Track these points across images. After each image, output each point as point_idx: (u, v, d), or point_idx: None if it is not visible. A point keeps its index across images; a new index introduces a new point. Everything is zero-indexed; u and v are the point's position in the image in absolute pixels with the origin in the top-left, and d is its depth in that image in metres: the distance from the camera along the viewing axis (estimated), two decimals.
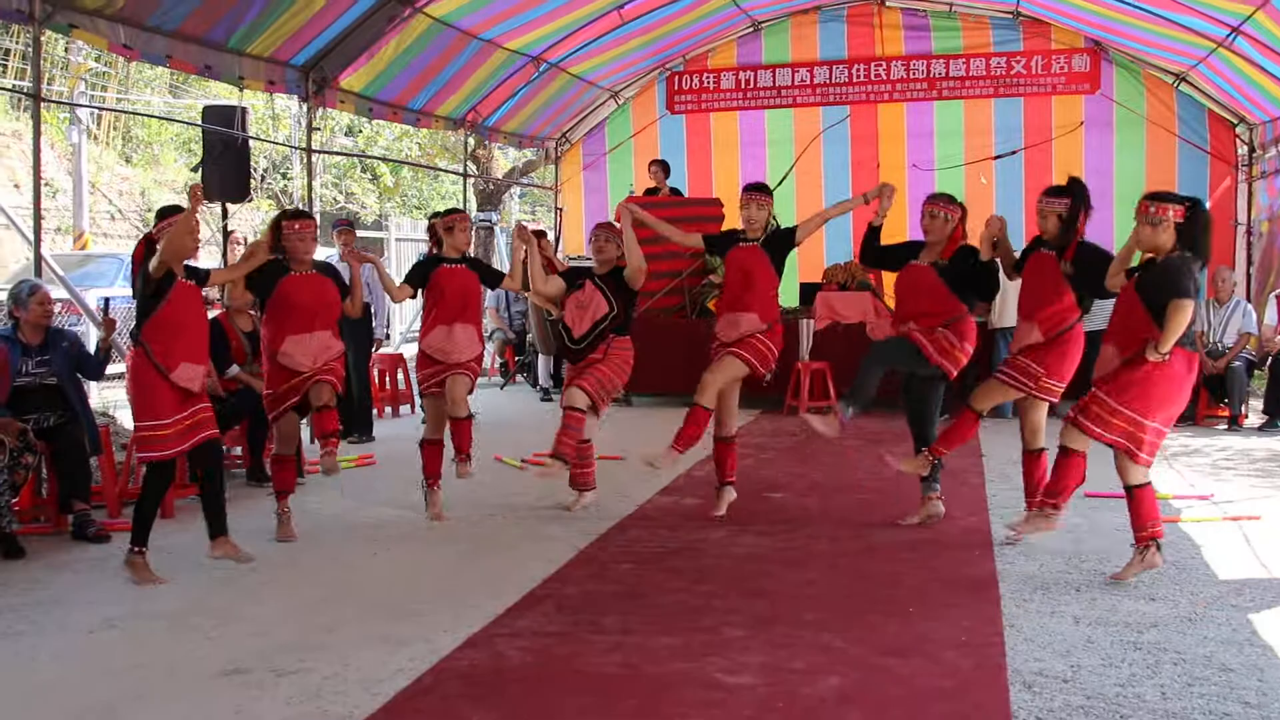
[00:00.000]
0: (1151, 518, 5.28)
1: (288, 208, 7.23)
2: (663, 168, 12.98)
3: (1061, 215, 5.81)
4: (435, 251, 6.93)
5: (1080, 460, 5.36)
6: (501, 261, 18.71)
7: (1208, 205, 12.73)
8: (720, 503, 6.77)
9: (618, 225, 6.83)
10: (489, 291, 11.27)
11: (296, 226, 6.37)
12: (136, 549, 5.55)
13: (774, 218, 6.68)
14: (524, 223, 8.84)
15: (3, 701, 4.08)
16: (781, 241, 6.58)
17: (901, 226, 13.72)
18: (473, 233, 7.13)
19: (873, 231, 6.48)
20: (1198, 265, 5.10)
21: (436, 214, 7.22)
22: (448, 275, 6.77)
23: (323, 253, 8.39)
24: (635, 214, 6.74)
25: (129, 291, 14.32)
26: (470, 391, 6.80)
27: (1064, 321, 5.82)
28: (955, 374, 6.27)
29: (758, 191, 6.65)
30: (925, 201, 6.31)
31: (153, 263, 5.47)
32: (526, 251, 6.89)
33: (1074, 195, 5.81)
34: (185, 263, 5.64)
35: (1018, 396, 6.04)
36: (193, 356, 5.59)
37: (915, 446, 6.46)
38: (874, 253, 6.54)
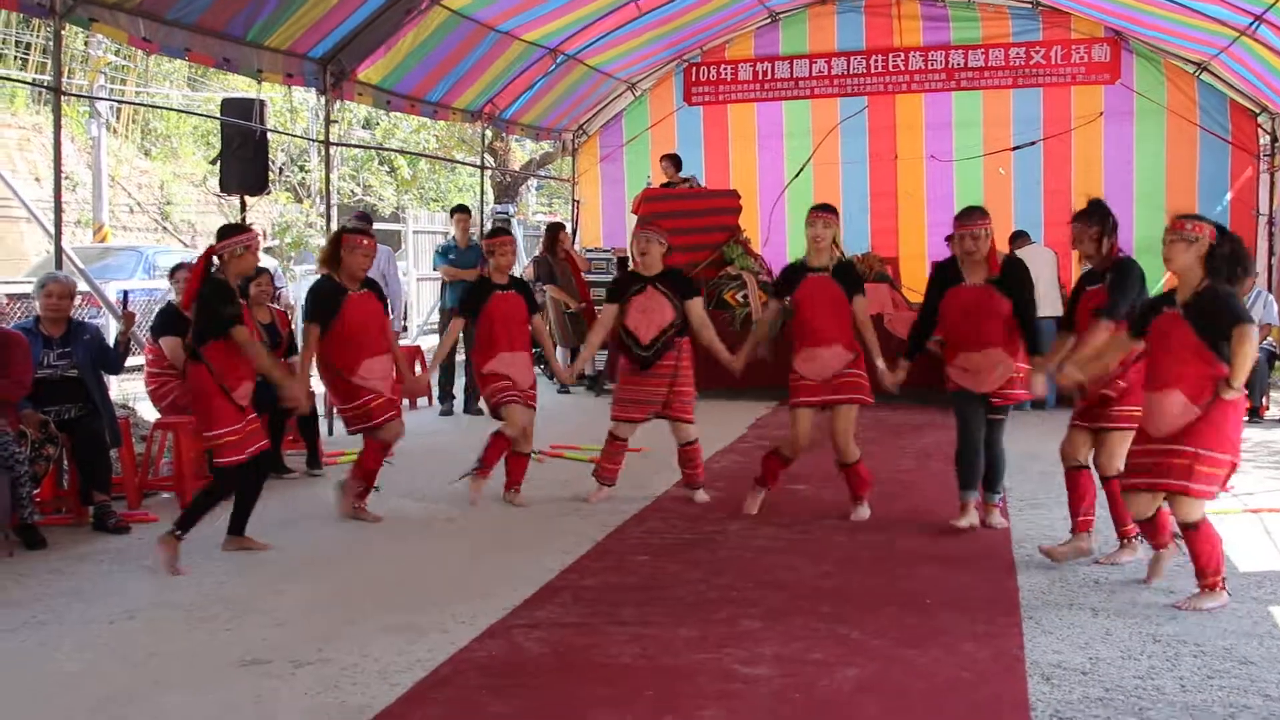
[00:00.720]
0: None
1: (349, 223, 7.33)
2: (674, 161, 12.96)
3: (1093, 237, 5.62)
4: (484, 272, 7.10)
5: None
6: (520, 255, 18.71)
7: (1229, 196, 12.77)
8: (858, 513, 6.60)
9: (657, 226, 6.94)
10: None
11: (364, 242, 6.55)
12: (179, 532, 5.67)
13: (839, 243, 6.63)
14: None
15: (27, 690, 4.12)
16: (849, 274, 6.53)
17: (920, 217, 13.75)
18: (488, 226, 7.23)
19: (914, 342, 6.38)
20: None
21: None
22: (499, 303, 6.92)
23: None
24: (736, 367, 6.76)
25: (148, 284, 14.42)
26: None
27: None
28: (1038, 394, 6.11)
29: (825, 211, 6.53)
30: (959, 225, 6.07)
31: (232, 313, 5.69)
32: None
33: (1102, 215, 5.63)
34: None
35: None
36: (250, 375, 5.84)
37: (989, 482, 6.27)
38: (926, 328, 6.34)
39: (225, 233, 5.88)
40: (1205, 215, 5.05)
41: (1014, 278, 6.06)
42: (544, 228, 13.50)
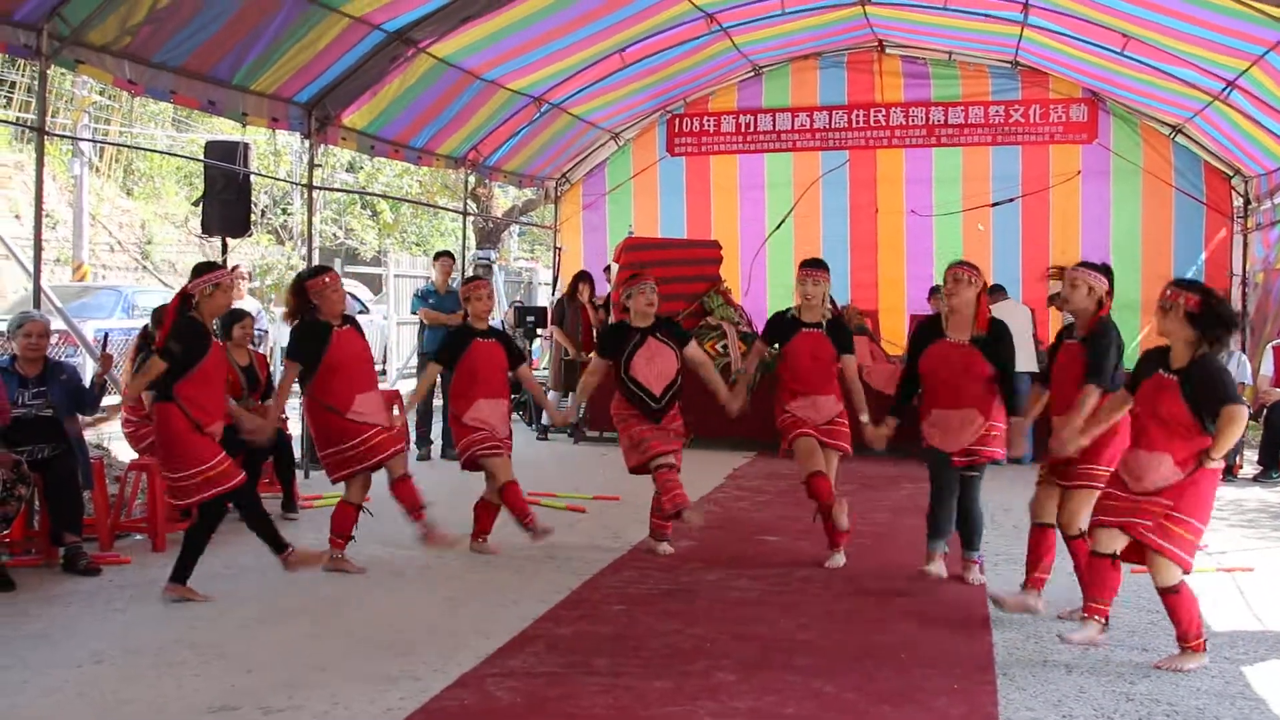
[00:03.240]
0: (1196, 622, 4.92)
1: (304, 269, 7.22)
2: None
3: (1093, 289, 5.60)
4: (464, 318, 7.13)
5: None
6: (499, 300, 18.76)
7: (1203, 257, 12.90)
8: (833, 559, 6.69)
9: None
10: None
11: (328, 280, 6.43)
12: (178, 581, 5.75)
13: (830, 299, 6.73)
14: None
15: None
16: (841, 332, 6.70)
17: (899, 271, 13.85)
18: (469, 271, 7.23)
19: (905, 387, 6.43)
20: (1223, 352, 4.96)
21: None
22: (480, 351, 6.90)
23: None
24: (733, 405, 6.79)
25: (127, 324, 14.36)
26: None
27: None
28: (1004, 453, 6.17)
29: (815, 268, 6.67)
30: (952, 268, 6.17)
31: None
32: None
33: (1110, 277, 5.68)
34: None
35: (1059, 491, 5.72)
36: (222, 412, 5.91)
37: (966, 540, 6.29)
38: (910, 387, 6.40)
39: (198, 271, 5.87)
40: (1192, 280, 5.13)
41: (998, 338, 6.12)
42: (572, 276, 13.25)
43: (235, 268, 10.56)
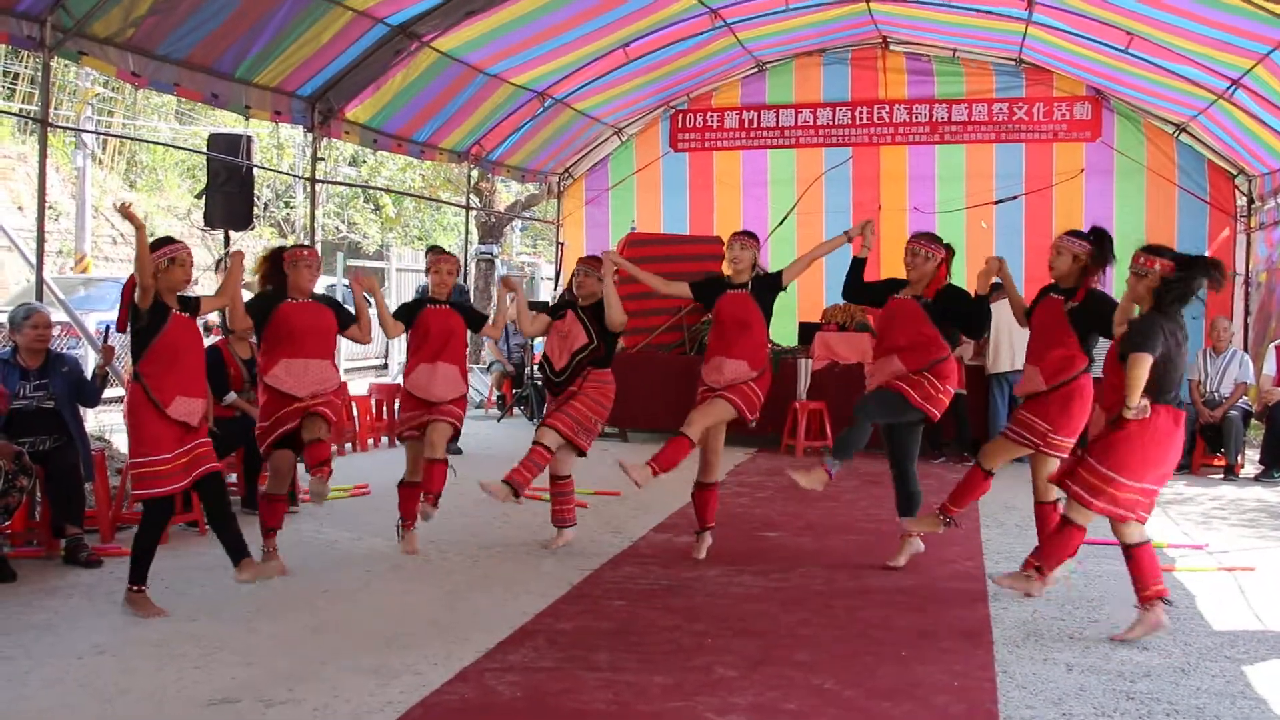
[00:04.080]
0: (1154, 576, 5.15)
1: (288, 243, 7.08)
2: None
3: (1078, 256, 5.77)
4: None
5: (1079, 533, 5.21)
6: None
7: (1207, 256, 12.88)
8: (699, 547, 6.73)
9: (600, 260, 6.77)
10: None
11: (305, 254, 6.30)
12: (135, 587, 5.45)
13: (758, 266, 6.71)
14: (511, 275, 8.71)
15: None
16: (769, 285, 6.61)
17: (902, 268, 13.81)
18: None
19: (857, 264, 6.51)
20: (1175, 318, 5.04)
21: (434, 248, 7.26)
22: (432, 316, 6.78)
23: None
24: (617, 263, 6.68)
25: None
26: (454, 439, 6.82)
27: (1067, 370, 5.72)
28: (938, 416, 6.26)
29: (744, 234, 6.72)
30: (909, 240, 6.35)
31: (136, 294, 5.38)
32: (513, 299, 6.88)
33: (1099, 244, 5.79)
34: (178, 294, 5.57)
35: (1026, 453, 5.94)
36: (189, 390, 5.46)
37: (900, 492, 6.44)
38: (856, 288, 6.56)
39: (157, 246, 5.52)
40: (1162, 245, 5.25)
41: (945, 297, 6.21)
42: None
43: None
